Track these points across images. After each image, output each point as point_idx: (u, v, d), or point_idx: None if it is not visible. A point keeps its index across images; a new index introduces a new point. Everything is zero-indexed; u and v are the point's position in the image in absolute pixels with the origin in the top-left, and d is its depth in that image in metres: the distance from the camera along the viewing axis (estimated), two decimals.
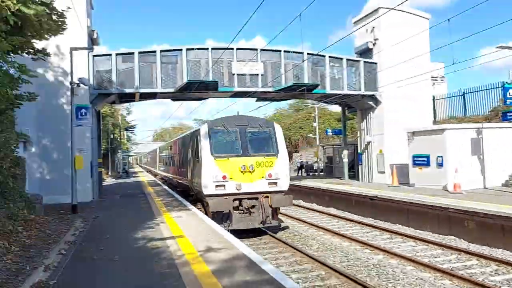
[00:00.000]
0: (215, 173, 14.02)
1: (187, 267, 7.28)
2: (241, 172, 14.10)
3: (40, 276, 7.07)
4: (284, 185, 14.64)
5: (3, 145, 9.15)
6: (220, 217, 13.83)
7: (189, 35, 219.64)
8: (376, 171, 24.94)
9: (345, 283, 9.09)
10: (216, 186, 13.99)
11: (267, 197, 14.27)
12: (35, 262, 7.80)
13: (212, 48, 21.47)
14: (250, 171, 14.14)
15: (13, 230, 9.56)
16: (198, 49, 21.37)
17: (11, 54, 11.09)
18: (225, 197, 13.87)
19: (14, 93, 11.10)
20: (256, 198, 14.20)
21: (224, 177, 13.99)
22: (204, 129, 14.91)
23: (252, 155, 14.45)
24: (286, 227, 16.35)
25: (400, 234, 14.25)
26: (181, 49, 21.09)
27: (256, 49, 22.04)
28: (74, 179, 15.79)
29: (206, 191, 14.05)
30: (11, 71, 11.16)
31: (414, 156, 20.76)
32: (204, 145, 14.49)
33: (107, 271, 7.38)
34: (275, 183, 14.42)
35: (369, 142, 25.33)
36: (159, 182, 33.07)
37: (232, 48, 21.43)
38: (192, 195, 18.02)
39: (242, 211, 14.13)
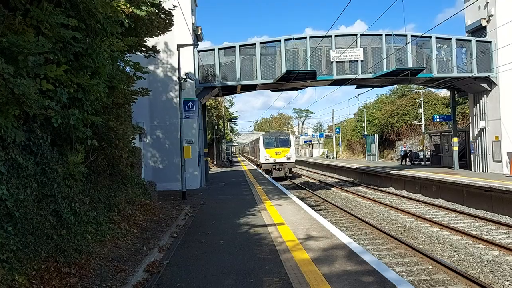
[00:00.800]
0: (265, 155, 33.18)
1: (287, 254, 7.45)
2: (275, 154, 32.91)
3: (155, 256, 7.76)
4: (293, 159, 33.98)
5: (121, 136, 10.12)
6: (267, 171, 32.19)
7: (288, 25, 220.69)
8: (491, 159, 22.83)
9: (454, 279, 8.55)
10: (265, 159, 33.16)
11: (286, 164, 33.21)
12: (150, 243, 8.56)
13: (310, 37, 21.36)
14: (279, 154, 32.96)
15: (132, 214, 10.57)
16: (296, 38, 21.41)
17: (127, 54, 12.21)
18: (268, 164, 33.05)
19: (130, 89, 12.22)
20: (281, 165, 33.06)
21: (268, 156, 33.05)
22: (261, 137, 35.45)
23: (280, 147, 33.22)
24: (389, 218, 15.80)
25: None
26: (279, 40, 21.31)
27: (355, 35, 21.44)
28: (183, 167, 16.93)
29: (261, 161, 33.91)
30: (127, 69, 12.30)
31: None
32: (261, 143, 34.39)
33: (214, 254, 7.85)
34: (289, 159, 33.33)
35: (482, 128, 23.23)
36: (260, 171, 34.06)
37: (331, 36, 21.12)
38: (259, 164, 36.95)
39: (276, 169, 32.92)
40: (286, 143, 33.50)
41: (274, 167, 33.05)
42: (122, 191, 10.72)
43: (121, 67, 11.60)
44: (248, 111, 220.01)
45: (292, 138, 35.34)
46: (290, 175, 34.26)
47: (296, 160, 39.88)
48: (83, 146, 7.80)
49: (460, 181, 18.67)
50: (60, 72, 6.34)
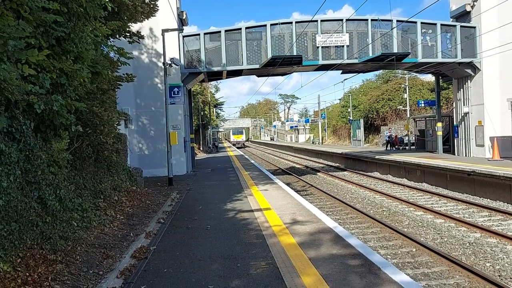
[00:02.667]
0: (232, 138, 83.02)
1: (274, 239, 7.52)
2: (236, 137, 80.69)
3: (142, 242, 7.77)
4: (244, 139, 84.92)
5: (106, 122, 10.01)
6: (233, 145, 77.47)
7: (275, 10, 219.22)
8: (474, 144, 23.22)
9: (437, 261, 8.75)
10: (232, 139, 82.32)
11: (241, 141, 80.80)
12: (137, 230, 8.57)
13: (296, 22, 21.24)
14: (238, 137, 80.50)
15: (118, 201, 10.53)
16: (282, 23, 21.27)
17: (110, 39, 12.01)
18: (234, 141, 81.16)
19: (114, 75, 12.05)
20: (239, 142, 79.71)
21: (234, 138, 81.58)
22: (231, 130, 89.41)
23: (238, 135, 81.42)
24: (374, 202, 16.02)
25: (501, 211, 13.23)
26: (265, 25, 21.17)
27: (341, 20, 21.38)
28: (169, 154, 16.86)
29: (231, 140, 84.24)
30: (111, 54, 12.12)
31: None
32: (231, 133, 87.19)
33: (201, 239, 7.88)
34: (242, 139, 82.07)
35: (466, 113, 23.56)
36: (246, 156, 34.09)
37: (316, 20, 21.04)
38: (230, 141, 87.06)
39: (237, 144, 78.16)
40: (241, 133, 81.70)
41: (236, 143, 77.93)
42: (107, 178, 10.65)
43: (105, 52, 11.43)
44: (234, 96, 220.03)
45: (244, 130, 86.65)
46: (243, 146, 79.57)
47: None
48: (67, 132, 7.69)
49: (444, 166, 18.97)
50: (42, 57, 6.21)
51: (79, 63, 7.46)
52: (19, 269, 5.10)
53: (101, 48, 10.47)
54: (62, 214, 6.79)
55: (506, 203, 14.76)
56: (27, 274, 5.10)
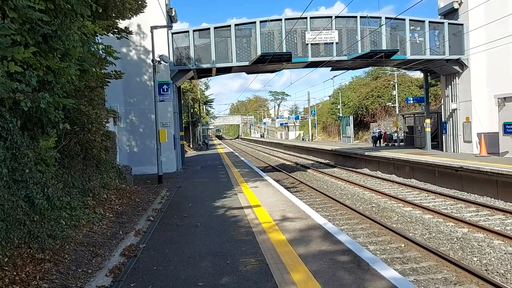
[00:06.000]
0: (216, 134, 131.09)
1: (264, 235, 7.54)
2: (218, 133, 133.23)
3: (132, 240, 7.74)
4: (221, 135, 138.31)
5: (95, 120, 9.93)
6: (216, 137, 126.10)
7: (267, 6, 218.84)
8: (462, 140, 23.46)
9: (426, 256, 8.84)
10: (216, 135, 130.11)
11: (220, 136, 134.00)
12: (126, 228, 8.51)
13: (285, 19, 21.25)
14: (219, 133, 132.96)
15: (107, 198, 10.46)
16: (271, 20, 21.25)
17: (98, 35, 11.90)
18: (218, 137, 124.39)
19: (102, 72, 11.96)
20: (219, 135, 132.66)
21: (216, 133, 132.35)
22: (215, 128, 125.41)
23: (218, 131, 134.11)
24: (363, 198, 16.12)
25: (488, 206, 13.42)
26: (254, 22, 21.13)
27: (330, 17, 21.42)
28: (159, 151, 16.78)
29: (216, 135, 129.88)
30: (100, 51, 12.01)
31: (505, 124, 19.19)
32: (215, 130, 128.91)
33: (191, 237, 7.87)
34: (221, 134, 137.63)
35: (454, 110, 23.78)
36: (236, 153, 34.04)
37: (306, 18, 21.05)
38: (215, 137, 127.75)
39: (217, 138, 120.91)
40: (220, 130, 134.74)
41: (217, 136, 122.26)
42: (96, 176, 10.58)
43: (93, 49, 11.34)
44: (225, 94, 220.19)
45: (221, 129, 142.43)
46: (221, 138, 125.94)
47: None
48: (55, 130, 7.62)
49: (432, 162, 19.15)
50: (28, 54, 6.15)
51: (67, 61, 7.39)
52: (6, 268, 5.05)
53: (89, 45, 10.39)
54: (50, 213, 6.73)
55: (493, 198, 14.96)
56: (15, 273, 5.06)
